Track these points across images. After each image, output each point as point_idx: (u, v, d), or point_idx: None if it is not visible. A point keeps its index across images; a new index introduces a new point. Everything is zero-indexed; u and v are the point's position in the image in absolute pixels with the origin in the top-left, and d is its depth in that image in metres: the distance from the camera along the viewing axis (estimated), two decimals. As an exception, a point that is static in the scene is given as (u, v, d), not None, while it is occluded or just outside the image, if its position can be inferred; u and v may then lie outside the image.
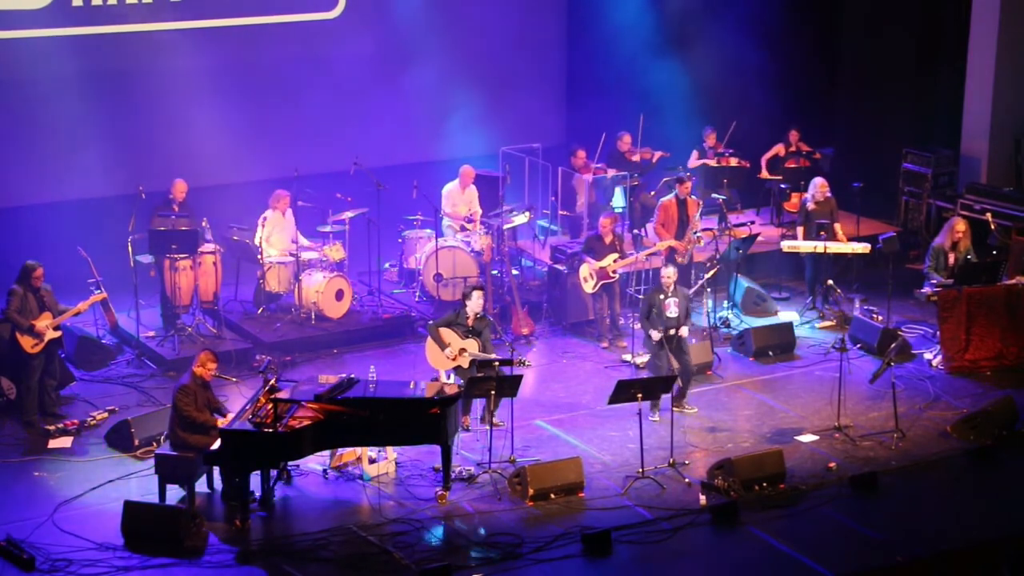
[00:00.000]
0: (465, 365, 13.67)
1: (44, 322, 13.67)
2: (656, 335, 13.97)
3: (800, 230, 16.90)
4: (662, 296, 14.09)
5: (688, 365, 14.24)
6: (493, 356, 13.58)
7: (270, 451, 12.07)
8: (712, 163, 18.56)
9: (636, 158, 18.34)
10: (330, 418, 12.21)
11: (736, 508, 12.28)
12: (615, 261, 15.87)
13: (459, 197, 17.34)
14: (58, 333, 13.87)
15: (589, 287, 15.91)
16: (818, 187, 16.87)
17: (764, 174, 19.03)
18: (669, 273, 14.22)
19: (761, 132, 19.31)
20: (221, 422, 12.27)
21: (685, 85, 20.30)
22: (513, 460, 13.03)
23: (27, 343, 13.63)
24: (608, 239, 15.94)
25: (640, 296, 16.32)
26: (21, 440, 13.56)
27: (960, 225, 16.02)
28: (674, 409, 13.72)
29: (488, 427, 13.02)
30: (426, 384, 12.85)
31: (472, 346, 13.68)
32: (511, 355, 13.38)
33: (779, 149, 19.10)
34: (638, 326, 15.83)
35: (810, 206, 16.87)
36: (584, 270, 15.90)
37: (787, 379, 15.24)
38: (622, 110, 19.45)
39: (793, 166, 18.82)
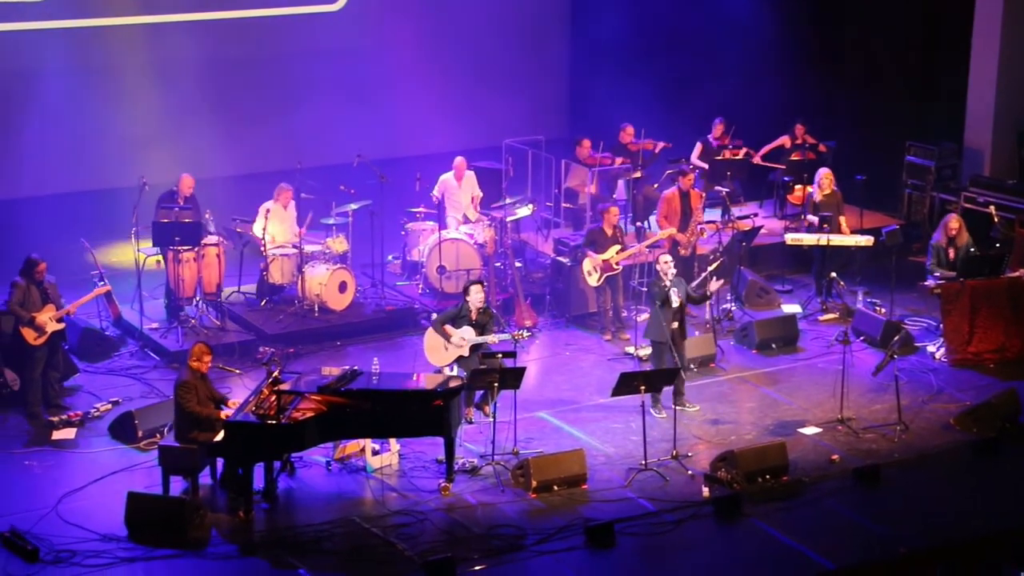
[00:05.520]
0: (466, 353, 13.68)
1: (46, 315, 13.68)
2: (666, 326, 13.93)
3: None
4: (666, 286, 14.04)
5: (683, 357, 14.18)
6: (492, 337, 13.61)
7: (273, 443, 12.07)
8: (705, 166, 18.50)
9: (638, 149, 18.30)
10: (333, 410, 12.20)
11: (739, 500, 12.27)
12: (618, 253, 15.86)
13: (455, 189, 17.30)
14: (61, 325, 13.88)
15: (593, 280, 15.88)
16: (823, 177, 16.84)
17: (757, 160, 18.92)
18: (667, 259, 14.15)
19: (765, 124, 19.28)
20: (224, 414, 12.27)
21: (689, 77, 20.30)
22: (516, 452, 13.04)
23: (30, 335, 13.65)
24: (610, 231, 15.92)
25: (643, 289, 16.31)
26: (25, 431, 13.57)
27: (953, 222, 15.97)
28: (675, 407, 13.70)
29: (484, 416, 13.01)
30: (429, 376, 12.84)
31: (470, 333, 13.69)
32: (512, 339, 13.41)
33: (784, 141, 19.05)
34: (641, 318, 15.85)
35: (817, 198, 16.84)
36: (587, 264, 15.88)
37: (790, 371, 15.22)
38: (626, 102, 19.44)
39: (798, 158, 18.77)
